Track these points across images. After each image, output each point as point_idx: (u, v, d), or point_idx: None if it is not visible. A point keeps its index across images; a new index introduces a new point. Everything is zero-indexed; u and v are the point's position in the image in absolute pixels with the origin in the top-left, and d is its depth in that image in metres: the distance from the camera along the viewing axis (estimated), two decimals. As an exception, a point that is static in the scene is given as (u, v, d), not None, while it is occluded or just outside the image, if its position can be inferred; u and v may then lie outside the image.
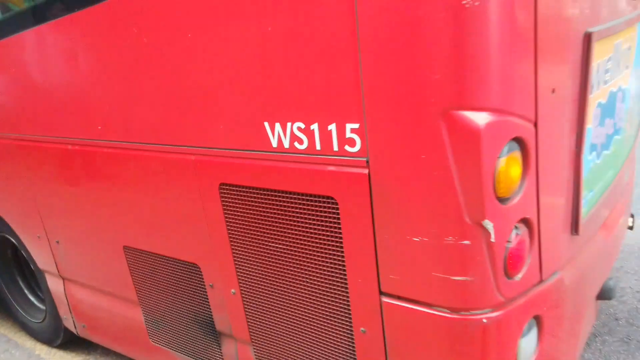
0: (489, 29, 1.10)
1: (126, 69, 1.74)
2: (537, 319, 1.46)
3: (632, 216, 2.59)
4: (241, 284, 1.74)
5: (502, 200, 1.21)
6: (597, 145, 1.63)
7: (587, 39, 1.37)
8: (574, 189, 1.51)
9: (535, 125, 1.25)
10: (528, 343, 1.42)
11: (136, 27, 1.64)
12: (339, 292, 1.49)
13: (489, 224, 1.19)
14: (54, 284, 2.66)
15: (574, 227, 1.55)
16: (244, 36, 1.39)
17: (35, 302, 3.09)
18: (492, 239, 1.21)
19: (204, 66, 1.51)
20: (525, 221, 1.31)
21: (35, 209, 2.46)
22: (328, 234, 1.43)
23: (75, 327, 2.68)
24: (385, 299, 1.40)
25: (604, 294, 2.04)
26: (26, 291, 3.14)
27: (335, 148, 1.32)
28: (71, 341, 2.96)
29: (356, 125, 1.27)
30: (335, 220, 1.40)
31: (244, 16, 1.37)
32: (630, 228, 2.62)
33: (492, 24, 1.09)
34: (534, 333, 1.44)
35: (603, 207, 1.85)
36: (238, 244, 1.67)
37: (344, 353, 1.56)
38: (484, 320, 1.28)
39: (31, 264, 2.79)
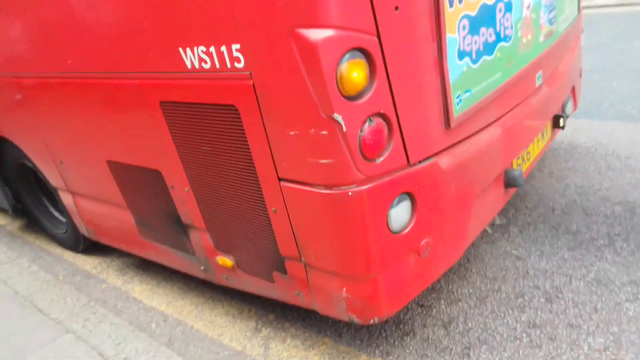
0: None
1: (84, 26, 2.11)
2: (410, 196, 1.83)
3: (562, 116, 2.86)
4: (191, 183, 2.18)
5: (349, 98, 1.55)
6: (470, 52, 1.91)
7: (432, -40, 1.63)
8: (441, 89, 1.82)
9: (379, 37, 1.55)
10: (399, 213, 1.80)
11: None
12: (254, 182, 1.90)
13: (338, 117, 1.54)
14: (66, 199, 3.20)
15: (446, 121, 1.88)
16: None
17: (59, 216, 3.68)
18: (344, 129, 1.56)
19: (138, 13, 1.86)
20: (381, 115, 1.65)
21: (40, 136, 2.95)
22: (237, 135, 1.82)
23: (87, 232, 3.25)
24: (282, 183, 1.80)
25: (510, 182, 2.38)
26: (51, 208, 3.73)
27: (228, 65, 1.68)
28: (92, 247, 3.56)
29: (238, 46, 1.61)
30: (239, 125, 1.78)
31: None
32: (561, 127, 2.89)
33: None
34: (405, 206, 1.82)
35: (494, 105, 2.14)
36: (182, 151, 2.09)
37: (265, 229, 2.00)
38: (350, 193, 1.67)
39: (46, 183, 3.33)
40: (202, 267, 2.52)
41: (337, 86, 1.51)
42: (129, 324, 2.71)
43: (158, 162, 2.27)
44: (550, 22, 2.49)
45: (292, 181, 1.77)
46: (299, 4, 1.43)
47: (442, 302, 2.51)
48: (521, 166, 2.53)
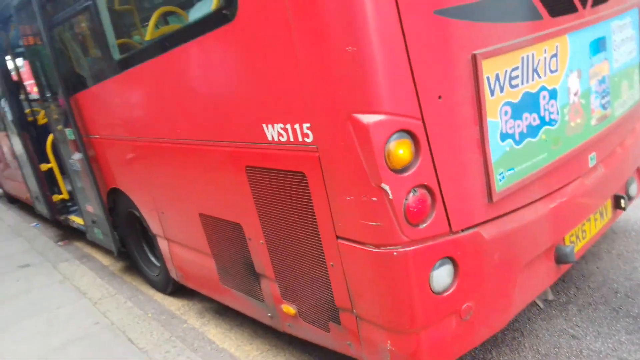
0: (375, 68, 1.75)
1: (190, 102, 2.65)
2: (452, 260, 2.04)
3: (623, 198, 2.91)
4: (265, 236, 2.53)
5: (396, 171, 1.84)
6: (513, 134, 2.14)
7: (474, 59, 1.93)
8: (484, 167, 2.06)
9: (423, 121, 1.86)
10: (440, 275, 2.00)
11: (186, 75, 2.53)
12: (316, 238, 2.21)
13: (385, 186, 1.83)
14: (163, 245, 3.70)
15: (489, 195, 2.09)
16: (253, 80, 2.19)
17: (154, 260, 4.20)
18: (390, 197, 1.85)
19: (231, 96, 2.34)
20: (425, 187, 1.92)
21: (148, 190, 3.52)
22: (305, 197, 2.16)
23: (177, 276, 3.71)
24: (339, 241, 2.09)
25: (560, 258, 2.48)
26: (149, 253, 4.28)
27: (300, 140, 2.05)
28: (178, 290, 4.01)
29: (308, 124, 1.99)
30: (306, 188, 2.13)
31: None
32: (623, 208, 2.94)
33: (375, 66, 1.75)
34: (447, 269, 2.01)
35: (541, 182, 2.31)
36: (260, 207, 2.46)
37: (324, 281, 2.27)
38: (395, 253, 1.92)
39: (149, 231, 3.88)
40: (270, 314, 2.81)
41: (385, 161, 1.82)
42: (202, 361, 3.03)
43: (240, 216, 2.66)
44: (604, 107, 2.64)
45: (347, 239, 2.05)
46: (355, 94, 1.79)
47: (492, 371, 2.57)
48: (575, 243, 2.61)
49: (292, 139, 2.10)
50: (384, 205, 1.86)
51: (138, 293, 4.27)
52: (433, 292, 2.00)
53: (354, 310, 2.18)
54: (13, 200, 8.29)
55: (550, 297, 2.77)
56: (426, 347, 2.05)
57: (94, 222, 4.64)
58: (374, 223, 1.91)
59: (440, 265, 2.00)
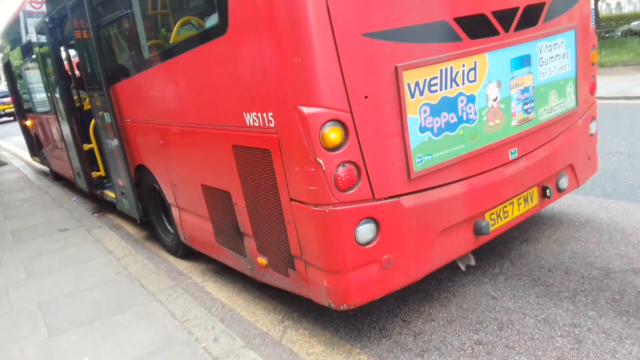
0: (314, 74, 2.42)
1: (195, 94, 3.38)
2: (375, 221, 2.68)
3: (549, 188, 3.48)
4: (246, 201, 3.23)
5: (328, 149, 2.50)
6: (432, 128, 2.76)
7: (396, 70, 2.57)
8: (404, 151, 2.70)
9: (351, 113, 2.51)
10: (364, 230, 2.64)
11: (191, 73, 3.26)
12: (278, 201, 2.89)
13: (320, 160, 2.50)
14: (175, 212, 4.46)
15: (408, 173, 2.73)
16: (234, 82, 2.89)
17: (169, 228, 4.98)
18: (324, 168, 2.51)
19: (224, 93, 3.05)
20: (352, 162, 2.57)
21: (165, 166, 4.28)
22: (270, 169, 2.85)
23: (184, 239, 4.46)
24: (292, 202, 2.77)
25: (477, 230, 3.09)
26: (165, 222, 5.06)
27: (266, 125, 2.74)
28: (187, 254, 4.77)
29: (271, 113, 2.68)
30: (271, 162, 2.82)
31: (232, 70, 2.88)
32: (548, 197, 3.50)
33: (314, 72, 2.41)
34: (369, 227, 2.65)
35: (458, 168, 2.92)
36: (242, 178, 3.17)
37: (284, 235, 2.95)
38: (327, 211, 2.59)
39: (165, 201, 4.65)
40: (250, 267, 3.51)
41: (320, 141, 2.48)
42: (198, 304, 3.76)
43: (229, 185, 3.37)
44: (526, 111, 3.22)
45: (297, 200, 2.73)
46: (299, 92, 2.46)
47: (420, 319, 3.19)
48: (495, 221, 3.20)
49: (262, 124, 2.79)
50: (319, 174, 2.53)
51: (154, 255, 5.06)
52: (358, 243, 2.65)
53: (303, 257, 2.86)
54: (58, 178, 9.32)
55: (472, 262, 3.35)
56: (353, 285, 2.71)
57: (122, 194, 5.47)
58: (313, 187, 2.59)
59: (365, 223, 2.65)
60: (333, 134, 2.50)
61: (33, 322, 3.67)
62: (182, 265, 4.72)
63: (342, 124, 2.52)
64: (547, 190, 3.49)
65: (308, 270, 2.87)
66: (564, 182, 3.63)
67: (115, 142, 5.11)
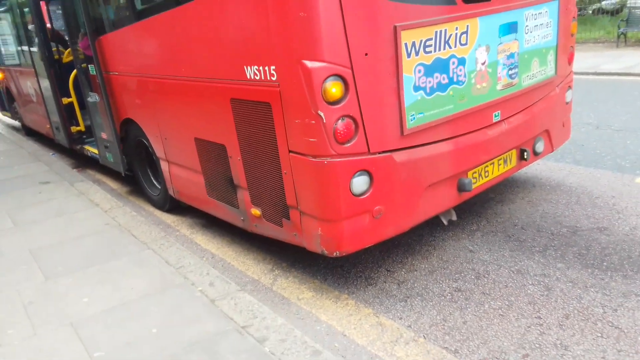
0: (318, 29, 2.51)
1: (192, 47, 3.41)
2: (369, 173, 2.84)
3: (526, 151, 3.71)
4: (242, 154, 3.33)
5: (329, 103, 2.63)
6: (425, 88, 2.91)
7: (395, 29, 2.69)
8: (399, 108, 2.85)
9: (352, 69, 2.63)
10: (359, 182, 2.80)
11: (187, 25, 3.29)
12: (275, 153, 3.01)
13: (321, 113, 2.63)
14: (164, 166, 4.52)
15: (401, 130, 2.89)
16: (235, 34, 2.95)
17: (156, 183, 5.04)
18: (324, 121, 2.64)
19: (223, 45, 3.11)
20: (350, 117, 2.71)
21: (155, 119, 4.32)
22: (269, 122, 2.96)
23: (174, 193, 4.54)
24: (291, 154, 2.90)
25: (460, 187, 3.30)
26: (151, 177, 5.11)
27: (269, 78, 2.84)
28: (174, 208, 4.86)
29: (274, 67, 2.77)
30: (270, 115, 2.92)
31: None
32: (525, 160, 3.74)
33: (319, 27, 2.51)
34: (363, 179, 2.82)
35: (446, 127, 3.10)
36: (239, 130, 3.26)
37: (280, 186, 3.09)
38: (325, 162, 2.73)
39: (153, 155, 4.69)
40: (242, 218, 3.65)
41: (322, 95, 2.60)
42: (189, 252, 3.89)
43: (225, 139, 3.46)
44: (511, 76, 3.41)
45: (296, 152, 2.86)
46: (304, 46, 2.56)
47: (404, 270, 3.42)
48: (477, 179, 3.42)
49: (263, 78, 2.88)
50: (319, 126, 2.66)
51: (140, 209, 5.13)
52: (353, 194, 2.82)
53: (299, 207, 3.01)
54: (31, 133, 9.11)
55: (454, 217, 3.57)
56: (346, 233, 2.88)
57: (106, 147, 5.46)
58: (312, 139, 2.72)
59: (359, 175, 2.81)
60: (334, 89, 2.62)
61: (27, 267, 3.73)
62: (169, 218, 4.81)
63: (343, 79, 2.64)
64: (525, 153, 3.72)
65: (303, 219, 3.03)
66: (540, 146, 3.87)
67: (99, 93, 5.08)
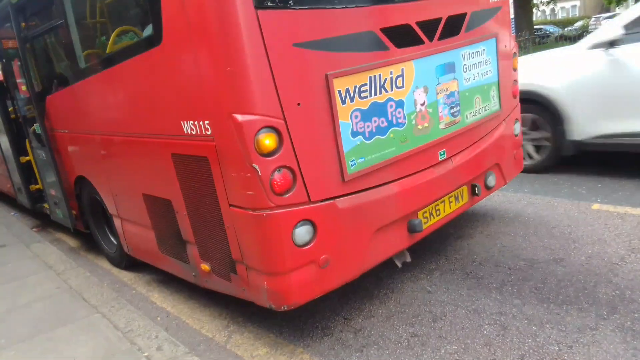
0: (246, 83, 2.50)
1: (134, 103, 3.38)
2: (312, 223, 2.78)
3: (477, 186, 3.70)
4: (187, 208, 3.26)
5: (263, 155, 2.59)
6: (364, 132, 2.90)
7: (327, 78, 2.70)
8: (337, 155, 2.82)
9: (285, 120, 2.61)
10: (301, 232, 2.74)
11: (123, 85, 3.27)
12: (217, 207, 2.94)
13: (256, 166, 2.58)
14: (117, 223, 4.41)
15: (342, 176, 2.85)
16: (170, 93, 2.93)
17: (112, 239, 4.90)
18: (259, 173, 2.59)
19: (162, 104, 3.08)
20: (287, 167, 2.67)
21: (105, 176, 4.23)
22: (208, 176, 2.90)
23: (127, 249, 4.41)
24: (231, 208, 2.83)
25: (410, 228, 3.25)
26: (108, 234, 4.97)
27: (204, 132, 2.80)
28: (131, 266, 4.71)
29: (208, 121, 2.74)
30: (209, 169, 2.87)
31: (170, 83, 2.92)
32: (477, 195, 3.72)
33: (247, 81, 2.50)
34: (306, 229, 2.76)
35: (390, 169, 3.07)
36: (182, 185, 3.20)
37: (224, 240, 3.01)
38: (264, 215, 2.67)
39: (107, 212, 4.58)
40: (194, 274, 3.53)
41: (255, 148, 2.57)
42: (142, 314, 3.74)
43: (170, 194, 3.38)
44: (453, 115, 3.43)
45: (236, 206, 2.80)
46: (233, 100, 2.54)
47: (361, 317, 3.32)
48: (427, 219, 3.38)
49: (199, 132, 2.84)
50: (255, 179, 2.61)
51: (97, 268, 4.96)
52: (296, 244, 2.74)
53: (244, 261, 2.92)
54: (-7, 193, 8.89)
55: (408, 259, 3.51)
56: (292, 286, 2.80)
57: (55, 204, 5.33)
58: (250, 192, 2.66)
59: (301, 225, 2.75)
60: (267, 140, 2.59)
61: (-33, 342, 3.54)
62: (126, 276, 4.65)
63: (276, 130, 2.61)
64: (476, 188, 3.71)
65: (249, 273, 2.94)
66: (492, 180, 3.87)
67: (45, 152, 4.99)
